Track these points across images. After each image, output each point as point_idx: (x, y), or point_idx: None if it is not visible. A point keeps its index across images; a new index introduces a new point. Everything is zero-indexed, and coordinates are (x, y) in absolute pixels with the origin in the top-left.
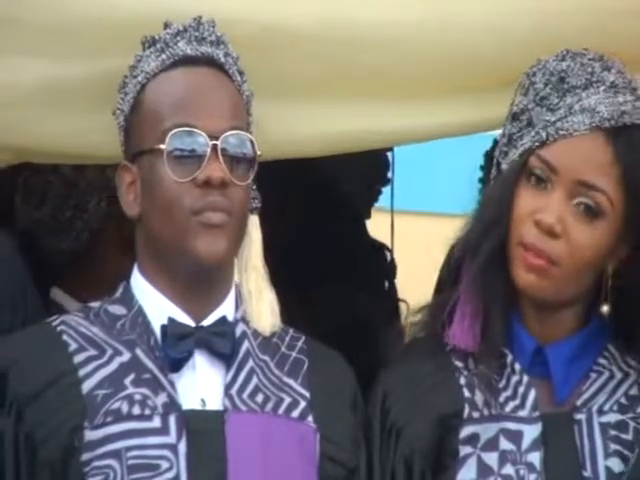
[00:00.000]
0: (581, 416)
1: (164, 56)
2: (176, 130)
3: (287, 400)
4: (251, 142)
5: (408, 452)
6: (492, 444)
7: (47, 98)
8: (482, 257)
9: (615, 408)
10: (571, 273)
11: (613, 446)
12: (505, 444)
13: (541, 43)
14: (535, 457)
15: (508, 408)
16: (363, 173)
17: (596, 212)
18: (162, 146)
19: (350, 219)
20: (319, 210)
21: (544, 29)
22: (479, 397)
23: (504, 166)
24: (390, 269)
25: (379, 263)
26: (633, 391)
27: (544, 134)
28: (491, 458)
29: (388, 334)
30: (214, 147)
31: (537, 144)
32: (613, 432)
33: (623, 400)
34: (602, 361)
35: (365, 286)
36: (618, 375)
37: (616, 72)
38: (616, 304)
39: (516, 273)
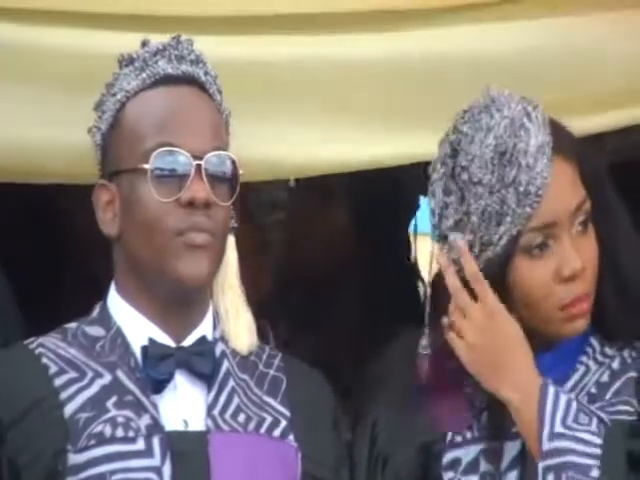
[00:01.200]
0: None
1: (144, 75)
2: (160, 150)
3: (268, 419)
4: (232, 162)
5: (393, 476)
6: (473, 467)
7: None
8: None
9: (585, 398)
10: (593, 291)
11: None
12: (484, 466)
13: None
14: (513, 476)
15: (487, 430)
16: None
17: (587, 220)
18: (145, 166)
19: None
20: None
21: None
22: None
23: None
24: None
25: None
26: (604, 378)
27: (527, 209)
28: None
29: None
30: (198, 167)
31: (523, 222)
32: None
33: (593, 389)
34: (582, 358)
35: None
36: (593, 368)
37: (517, 103)
38: (612, 304)
39: (562, 331)
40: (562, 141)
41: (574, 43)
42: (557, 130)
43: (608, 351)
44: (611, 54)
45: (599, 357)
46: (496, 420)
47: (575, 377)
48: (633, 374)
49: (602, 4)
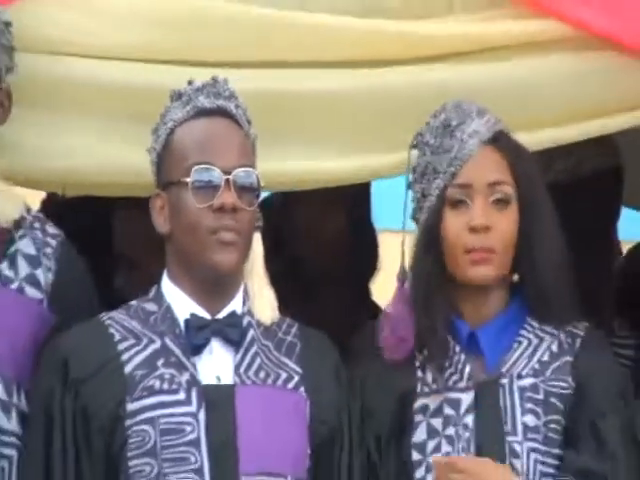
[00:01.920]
0: (505, 381)
1: (188, 108)
2: (198, 167)
3: (284, 375)
4: (256, 176)
5: (377, 425)
6: (438, 411)
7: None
8: (424, 280)
9: (530, 373)
10: (503, 255)
11: (528, 405)
12: (448, 410)
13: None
14: (469, 418)
15: (450, 382)
16: None
17: (506, 200)
18: (187, 179)
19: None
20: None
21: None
22: (429, 375)
23: (422, 216)
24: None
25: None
26: (545, 357)
27: (452, 169)
28: (437, 423)
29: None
30: (227, 180)
31: (449, 178)
32: (528, 394)
33: (536, 366)
34: (523, 332)
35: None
36: (535, 342)
37: (473, 105)
38: (526, 280)
39: (467, 273)
40: (501, 140)
41: (520, 78)
42: (503, 135)
43: (546, 328)
44: (550, 88)
45: (539, 333)
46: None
47: (520, 350)
48: (569, 358)
49: (542, 49)
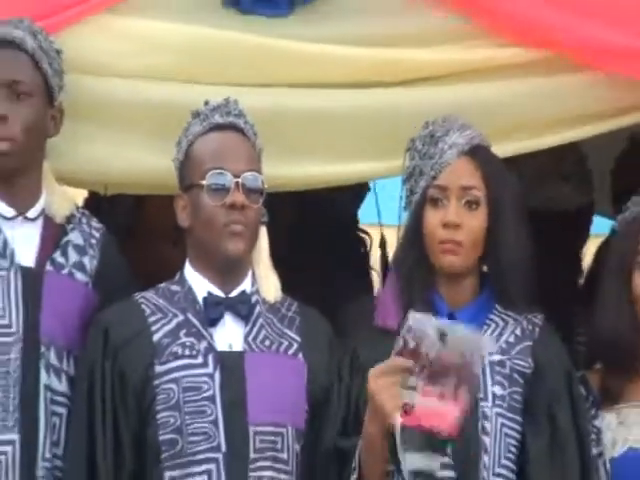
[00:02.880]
0: None
1: (205, 124)
2: (212, 171)
3: (285, 343)
4: (261, 179)
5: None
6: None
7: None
8: (404, 261)
9: (498, 351)
10: (470, 249)
11: (496, 377)
12: None
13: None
14: None
15: None
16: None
17: (476, 203)
18: (203, 182)
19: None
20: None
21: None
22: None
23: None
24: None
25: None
26: (510, 338)
27: (433, 172)
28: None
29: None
30: (236, 183)
31: (431, 180)
32: (497, 368)
33: (504, 345)
34: (491, 316)
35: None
36: (501, 324)
37: (457, 120)
38: (492, 272)
39: (440, 260)
40: (477, 152)
41: (492, 97)
42: (480, 147)
43: (510, 314)
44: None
45: (505, 317)
46: None
47: (489, 331)
48: (529, 343)
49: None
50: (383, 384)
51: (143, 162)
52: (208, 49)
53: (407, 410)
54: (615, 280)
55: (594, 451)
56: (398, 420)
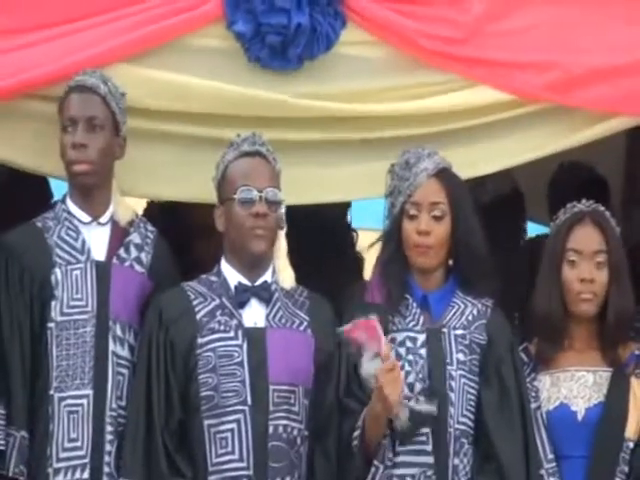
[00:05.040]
0: (445, 330)
1: (236, 152)
2: (242, 188)
3: (297, 321)
4: (279, 194)
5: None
6: (402, 343)
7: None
8: (387, 258)
9: (461, 326)
10: (438, 250)
11: (460, 347)
12: (409, 343)
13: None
14: (423, 351)
15: (410, 325)
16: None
17: (442, 215)
18: (235, 196)
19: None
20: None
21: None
22: (397, 319)
23: (390, 220)
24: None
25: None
26: (470, 317)
27: (408, 191)
28: (402, 350)
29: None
30: (260, 196)
31: (407, 198)
32: (460, 339)
33: (465, 322)
34: (455, 300)
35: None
36: (462, 306)
37: (426, 150)
38: (456, 266)
39: (414, 260)
40: (443, 175)
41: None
42: (445, 170)
43: (469, 298)
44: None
45: (465, 301)
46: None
47: (453, 310)
48: (484, 321)
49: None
50: (389, 379)
51: (187, 182)
52: (228, 103)
53: None
54: (548, 271)
55: (533, 405)
56: (401, 409)
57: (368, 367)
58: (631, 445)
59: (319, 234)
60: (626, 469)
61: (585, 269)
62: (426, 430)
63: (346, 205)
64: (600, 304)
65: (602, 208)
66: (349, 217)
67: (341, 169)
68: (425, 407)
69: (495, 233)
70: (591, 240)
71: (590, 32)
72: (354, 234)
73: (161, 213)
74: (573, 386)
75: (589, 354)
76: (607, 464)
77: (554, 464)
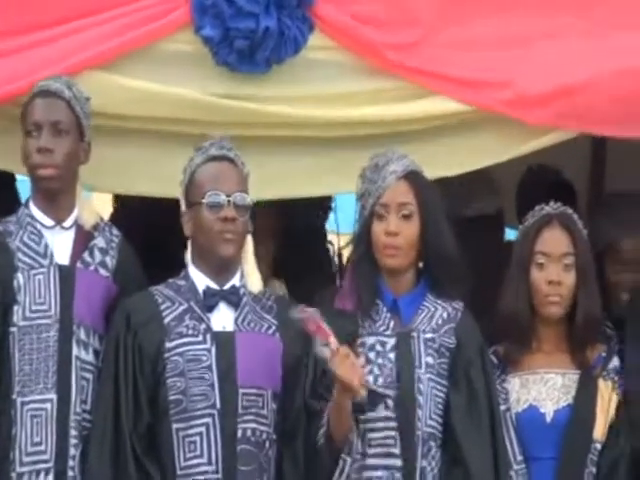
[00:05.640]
0: (414, 334)
1: (204, 156)
2: (209, 192)
3: (265, 325)
4: (248, 198)
5: None
6: (372, 347)
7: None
8: (357, 260)
9: (430, 330)
10: (407, 251)
11: (429, 350)
12: (378, 347)
13: None
14: (392, 355)
15: (380, 329)
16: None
17: (410, 215)
18: (203, 200)
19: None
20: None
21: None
22: (366, 323)
23: (360, 221)
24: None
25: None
26: (439, 321)
27: (378, 193)
28: (372, 355)
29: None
30: (228, 201)
31: (376, 200)
32: (429, 343)
33: (434, 326)
34: (425, 303)
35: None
36: (432, 310)
37: (395, 152)
38: (426, 268)
39: (384, 261)
40: (411, 177)
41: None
42: (414, 173)
43: (439, 301)
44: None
45: (435, 304)
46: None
47: (423, 314)
48: (453, 325)
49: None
50: (347, 366)
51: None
52: (198, 109)
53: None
54: (516, 273)
55: (503, 407)
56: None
57: (320, 351)
58: (599, 447)
59: (293, 238)
60: (594, 470)
61: (553, 271)
62: (394, 433)
63: (324, 215)
64: (567, 306)
65: (570, 211)
66: (328, 223)
67: (308, 164)
68: (381, 389)
69: (473, 245)
70: (559, 243)
71: (546, 46)
72: (330, 246)
73: (133, 209)
74: (542, 388)
75: (558, 356)
76: (575, 465)
77: (523, 465)
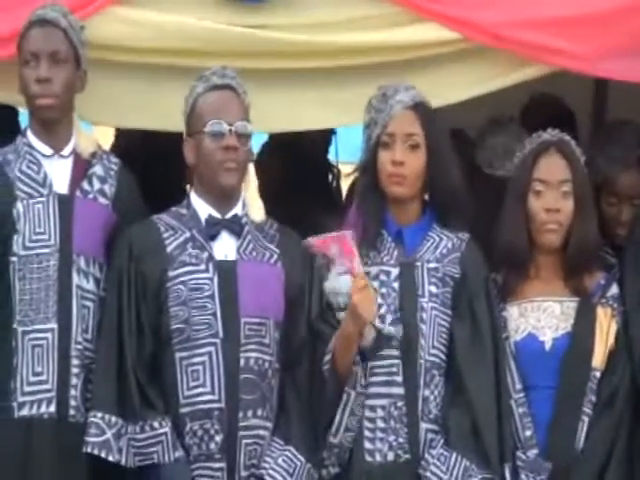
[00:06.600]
0: (418, 263)
1: (206, 84)
2: (211, 121)
3: (267, 254)
4: (250, 127)
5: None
6: (376, 277)
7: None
8: (363, 190)
9: (434, 259)
10: (412, 180)
11: (432, 279)
12: (382, 277)
13: None
14: (396, 284)
15: (384, 259)
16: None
17: (417, 146)
18: (205, 129)
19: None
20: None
21: None
22: (371, 254)
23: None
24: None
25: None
26: (444, 251)
27: (384, 122)
28: (375, 284)
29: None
30: (230, 130)
31: (382, 129)
32: (432, 272)
33: (438, 256)
34: (430, 233)
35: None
36: (437, 240)
37: (403, 83)
38: (432, 199)
39: (389, 189)
40: (418, 107)
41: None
42: (421, 104)
43: (445, 232)
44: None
45: (440, 235)
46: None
47: (428, 244)
48: (458, 254)
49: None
50: (361, 297)
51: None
52: (199, 39)
53: None
54: (514, 202)
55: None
56: (369, 328)
57: (334, 282)
58: (598, 375)
59: (299, 171)
60: (593, 399)
61: (551, 199)
62: (397, 361)
63: (327, 141)
64: (565, 234)
65: (568, 138)
66: (330, 153)
67: (312, 97)
68: (389, 328)
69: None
70: (557, 169)
71: None
72: (335, 170)
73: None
74: (540, 316)
75: (556, 284)
76: (574, 394)
77: (522, 394)
